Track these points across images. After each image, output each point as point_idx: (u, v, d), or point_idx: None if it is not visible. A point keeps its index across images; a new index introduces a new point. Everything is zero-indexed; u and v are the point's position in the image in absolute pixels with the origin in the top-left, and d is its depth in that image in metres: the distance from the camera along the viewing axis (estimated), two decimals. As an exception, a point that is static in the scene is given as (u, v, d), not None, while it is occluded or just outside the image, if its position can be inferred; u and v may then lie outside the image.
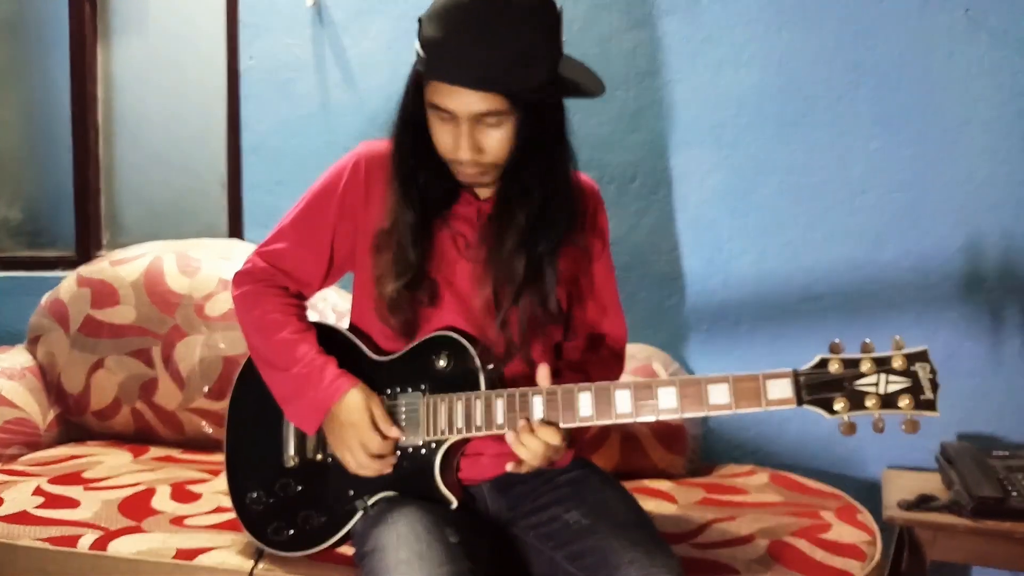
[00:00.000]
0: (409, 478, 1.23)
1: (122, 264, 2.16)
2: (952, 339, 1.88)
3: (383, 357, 1.29)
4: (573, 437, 1.22)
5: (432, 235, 1.25)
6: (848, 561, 1.38)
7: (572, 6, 2.03)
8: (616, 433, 1.82)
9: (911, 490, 1.63)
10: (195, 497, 1.67)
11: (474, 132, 1.14)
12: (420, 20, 1.13)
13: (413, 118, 1.20)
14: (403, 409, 1.24)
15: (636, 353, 1.90)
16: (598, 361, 1.36)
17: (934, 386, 1.02)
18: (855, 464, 1.94)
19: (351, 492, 1.26)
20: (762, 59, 1.96)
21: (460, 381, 1.22)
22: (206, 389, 2.03)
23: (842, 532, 1.48)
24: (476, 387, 1.21)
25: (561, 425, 1.15)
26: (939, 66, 1.87)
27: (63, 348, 2.11)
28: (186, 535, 1.47)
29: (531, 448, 1.14)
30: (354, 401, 1.21)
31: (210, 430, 2.04)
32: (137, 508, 1.60)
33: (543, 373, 1.17)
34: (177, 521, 1.54)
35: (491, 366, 1.23)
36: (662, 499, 1.69)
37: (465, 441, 1.25)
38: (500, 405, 1.17)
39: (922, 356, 1.03)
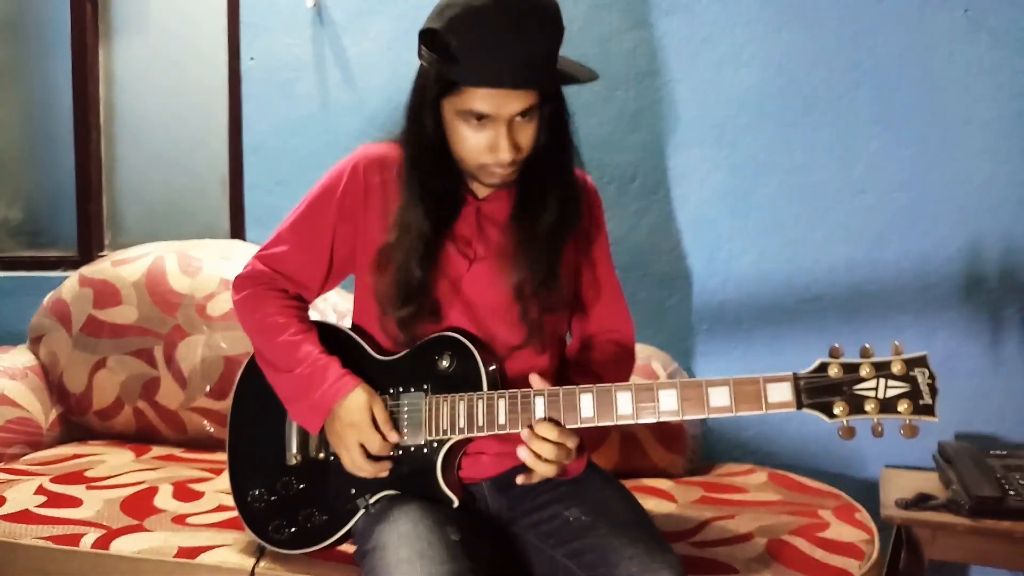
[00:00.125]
0: (411, 477, 1.24)
1: (124, 264, 2.17)
2: (951, 339, 1.88)
3: (386, 357, 1.29)
4: (582, 443, 1.22)
5: (442, 245, 1.26)
6: (846, 560, 1.39)
7: (572, 6, 2.03)
8: (616, 433, 1.83)
9: (909, 489, 1.63)
10: (197, 496, 1.68)
11: (512, 131, 1.16)
12: (431, 32, 1.12)
13: (434, 132, 1.20)
14: (405, 409, 1.25)
15: (636, 353, 1.90)
16: (610, 362, 1.36)
17: (933, 392, 1.03)
18: (853, 464, 1.95)
19: (353, 490, 1.27)
20: (762, 59, 1.97)
21: (462, 381, 1.22)
22: (208, 389, 2.03)
23: (840, 531, 1.49)
24: (478, 387, 1.21)
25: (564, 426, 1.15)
26: (939, 66, 1.87)
27: (65, 348, 2.12)
28: (188, 534, 1.48)
29: (544, 454, 1.14)
30: (356, 401, 1.22)
31: (212, 429, 2.05)
32: (139, 507, 1.61)
33: (536, 380, 1.17)
34: (179, 520, 1.55)
35: (493, 367, 1.24)
36: (661, 498, 1.69)
37: (467, 441, 1.25)
38: (502, 405, 1.18)
39: (921, 361, 1.04)
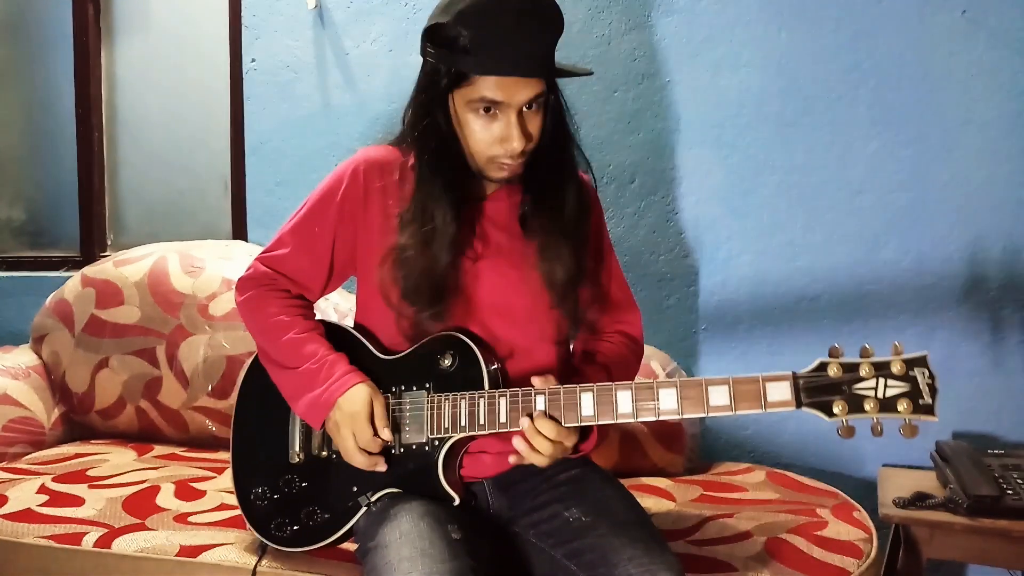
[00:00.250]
0: (412, 475, 1.24)
1: (126, 264, 2.17)
2: (950, 339, 1.89)
3: (388, 356, 1.30)
4: (585, 433, 1.23)
5: (461, 245, 1.26)
6: (844, 558, 1.39)
7: (572, 7, 2.04)
8: (615, 432, 1.83)
9: (907, 488, 1.64)
10: (199, 495, 1.68)
11: (522, 120, 1.18)
12: (437, 27, 1.15)
13: (446, 126, 1.21)
14: (408, 407, 1.25)
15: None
16: (618, 355, 1.36)
17: (933, 391, 1.03)
18: (852, 462, 1.95)
19: (355, 488, 1.28)
20: (762, 59, 1.97)
21: (464, 380, 1.23)
22: (210, 388, 2.04)
23: (839, 529, 1.49)
24: (480, 386, 1.22)
25: (564, 424, 1.16)
26: (939, 66, 1.88)
27: (68, 347, 2.12)
28: (190, 532, 1.49)
29: (540, 449, 1.15)
30: (358, 394, 1.23)
31: (214, 429, 2.05)
32: (141, 506, 1.61)
33: (538, 382, 1.18)
34: (181, 518, 1.55)
35: (495, 366, 1.25)
36: (660, 496, 1.70)
37: (469, 439, 1.26)
38: (503, 404, 1.19)
39: (921, 361, 1.04)
